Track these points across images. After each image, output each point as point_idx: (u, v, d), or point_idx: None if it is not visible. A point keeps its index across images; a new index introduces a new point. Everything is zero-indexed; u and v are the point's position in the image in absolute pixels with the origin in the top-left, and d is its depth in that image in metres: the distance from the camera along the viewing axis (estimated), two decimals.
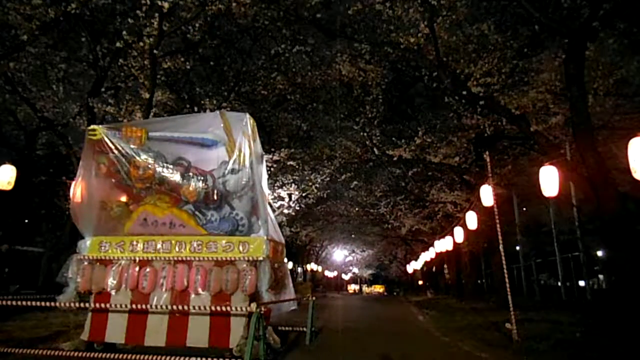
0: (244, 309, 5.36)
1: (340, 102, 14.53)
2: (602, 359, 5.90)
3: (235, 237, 6.05)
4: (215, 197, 6.28)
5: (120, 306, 5.79)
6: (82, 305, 5.83)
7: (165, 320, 5.81)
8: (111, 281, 6.03)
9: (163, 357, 4.98)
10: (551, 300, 16.25)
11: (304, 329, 7.68)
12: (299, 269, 33.92)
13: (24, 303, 5.79)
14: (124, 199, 6.51)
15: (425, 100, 14.96)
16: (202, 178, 6.33)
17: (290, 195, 17.74)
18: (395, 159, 13.85)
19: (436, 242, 18.39)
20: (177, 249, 6.00)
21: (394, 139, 14.42)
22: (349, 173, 18.25)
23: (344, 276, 55.98)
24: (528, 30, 9.27)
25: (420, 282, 39.37)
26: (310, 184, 17.02)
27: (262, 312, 5.14)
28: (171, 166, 6.43)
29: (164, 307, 5.64)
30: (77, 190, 6.46)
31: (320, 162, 16.33)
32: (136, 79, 10.47)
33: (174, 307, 5.53)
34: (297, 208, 19.05)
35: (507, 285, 7.67)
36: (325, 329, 9.55)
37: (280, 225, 10.16)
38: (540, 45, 9.65)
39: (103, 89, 11.32)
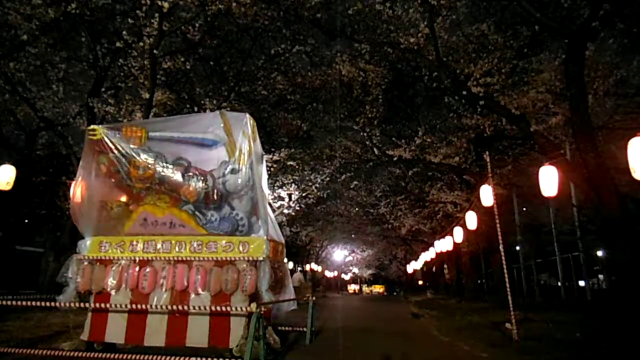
0: (244, 309, 5.35)
1: (340, 102, 14.53)
2: (602, 359, 5.90)
3: (235, 237, 6.05)
4: (215, 197, 6.28)
5: (120, 306, 5.79)
6: (82, 305, 5.83)
7: (165, 320, 5.80)
8: (111, 281, 6.02)
9: (163, 357, 4.98)
10: (551, 300, 16.25)
11: (304, 329, 7.68)
12: (299, 269, 33.91)
13: (24, 303, 5.80)
14: (124, 199, 6.51)
15: (425, 100, 14.97)
16: (202, 178, 6.32)
17: (290, 195, 17.74)
18: (395, 159, 13.86)
19: (436, 242, 18.37)
20: (177, 249, 6.00)
21: (394, 139, 14.44)
22: (349, 173, 18.27)
23: (344, 276, 55.96)
24: (528, 30, 9.27)
25: (420, 282, 39.41)
26: (310, 184, 17.02)
27: (262, 312, 5.13)
28: (171, 166, 6.43)
29: (163, 307, 5.63)
30: (77, 190, 6.46)
31: (320, 162, 16.33)
32: (136, 79, 10.47)
33: (174, 307, 5.52)
34: (297, 208, 19.05)
35: (507, 285, 7.67)
36: (325, 329, 9.55)
37: (280, 225, 10.15)
38: (540, 45, 9.66)
39: (103, 89, 11.32)
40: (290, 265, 23.86)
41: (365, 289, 50.34)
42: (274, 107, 13.48)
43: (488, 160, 8.44)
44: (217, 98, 12.01)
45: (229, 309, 5.45)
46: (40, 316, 8.70)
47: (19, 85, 10.53)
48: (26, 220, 17.81)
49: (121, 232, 6.37)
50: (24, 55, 9.78)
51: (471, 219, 11.31)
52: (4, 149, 11.74)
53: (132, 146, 6.45)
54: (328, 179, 17.63)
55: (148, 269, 5.98)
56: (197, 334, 5.68)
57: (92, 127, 6.75)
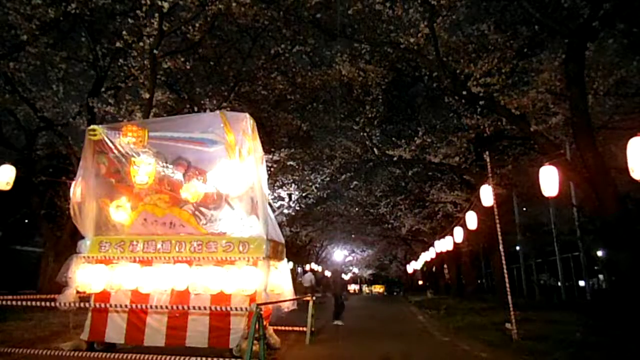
0: (244, 309, 5.36)
1: (340, 102, 14.52)
2: (602, 358, 5.90)
3: (235, 237, 6.05)
4: (215, 197, 6.28)
5: (120, 306, 5.80)
6: (82, 305, 5.83)
7: (165, 320, 5.81)
8: (111, 281, 6.03)
9: (163, 357, 4.98)
10: (551, 300, 16.25)
11: (304, 329, 7.68)
12: (299, 269, 33.90)
13: (24, 303, 5.80)
14: (124, 199, 6.51)
15: (425, 100, 14.96)
16: (202, 178, 6.33)
17: (290, 195, 17.73)
18: (395, 159, 13.86)
19: (436, 242, 18.38)
20: (177, 248, 6.01)
21: (394, 139, 14.42)
22: (349, 173, 18.26)
23: (344, 276, 55.89)
24: (528, 30, 9.26)
25: (420, 282, 39.40)
26: (310, 184, 17.01)
27: (262, 312, 5.13)
28: (171, 166, 6.44)
29: (163, 307, 5.64)
30: (77, 190, 6.47)
31: (320, 162, 16.32)
32: (136, 79, 10.45)
33: (174, 307, 5.53)
34: (297, 208, 19.04)
35: (507, 285, 7.67)
36: (325, 329, 9.55)
37: (280, 225, 10.15)
38: (540, 45, 9.64)
39: (103, 89, 11.31)
40: (290, 265, 23.86)
41: (365, 289, 50.32)
42: (274, 107, 13.46)
43: (488, 160, 8.44)
44: (217, 98, 12.00)
45: (229, 309, 5.45)
46: (40, 316, 8.70)
47: (19, 85, 10.51)
48: (26, 220, 17.81)
49: (121, 232, 6.38)
50: (24, 55, 9.77)
51: (471, 219, 11.30)
52: (4, 148, 11.73)
53: (132, 146, 6.46)
54: (328, 179, 17.62)
55: (148, 269, 5.99)
56: (197, 334, 5.68)
57: (92, 127, 6.76)
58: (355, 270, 53.30)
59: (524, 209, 17.92)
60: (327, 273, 48.53)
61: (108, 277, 6.04)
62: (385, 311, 17.14)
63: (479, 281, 25.36)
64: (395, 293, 41.11)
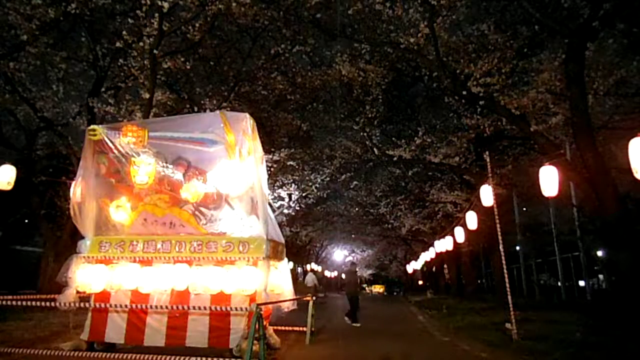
0: (244, 309, 5.36)
1: (340, 102, 14.53)
2: (602, 358, 5.90)
3: (235, 237, 6.05)
4: (215, 197, 6.28)
5: (120, 306, 5.80)
6: (82, 305, 5.83)
7: (165, 320, 5.81)
8: (111, 281, 6.03)
9: (163, 357, 4.98)
10: (551, 300, 16.25)
11: (304, 329, 7.68)
12: (299, 269, 33.90)
13: (24, 303, 5.80)
14: (124, 199, 6.51)
15: (425, 100, 14.97)
16: (202, 178, 6.33)
17: (290, 195, 17.74)
18: (395, 159, 13.86)
19: (436, 242, 18.38)
20: (177, 248, 6.01)
21: (394, 139, 14.43)
22: (349, 173, 18.27)
23: (343, 276, 55.89)
24: (528, 30, 9.26)
25: (420, 282, 39.41)
26: (310, 184, 17.02)
27: (262, 312, 5.13)
28: (171, 166, 6.44)
29: (163, 307, 5.64)
30: (77, 190, 6.47)
31: (320, 162, 16.33)
32: (136, 79, 10.45)
33: (174, 307, 5.53)
34: (297, 208, 19.06)
35: (507, 285, 7.67)
36: (325, 329, 9.55)
37: (280, 225, 10.15)
38: (540, 45, 9.64)
39: (103, 89, 11.31)
40: (290, 265, 23.87)
41: (365, 288, 50.30)
42: (274, 107, 13.46)
43: (488, 160, 8.44)
44: (217, 98, 12.00)
45: (229, 309, 5.45)
46: (40, 316, 8.70)
47: (19, 85, 10.50)
48: (26, 220, 17.81)
49: (121, 232, 6.38)
50: (24, 55, 9.77)
51: (471, 219, 11.30)
52: (4, 148, 11.72)
53: (132, 146, 6.46)
54: (328, 179, 17.63)
55: (148, 269, 5.99)
56: (197, 334, 5.69)
57: (92, 127, 6.76)
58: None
59: (524, 209, 17.93)
60: (327, 273, 48.68)
61: (108, 277, 6.04)
62: (385, 311, 17.14)
63: (479, 281, 25.37)
64: (395, 293, 41.07)
